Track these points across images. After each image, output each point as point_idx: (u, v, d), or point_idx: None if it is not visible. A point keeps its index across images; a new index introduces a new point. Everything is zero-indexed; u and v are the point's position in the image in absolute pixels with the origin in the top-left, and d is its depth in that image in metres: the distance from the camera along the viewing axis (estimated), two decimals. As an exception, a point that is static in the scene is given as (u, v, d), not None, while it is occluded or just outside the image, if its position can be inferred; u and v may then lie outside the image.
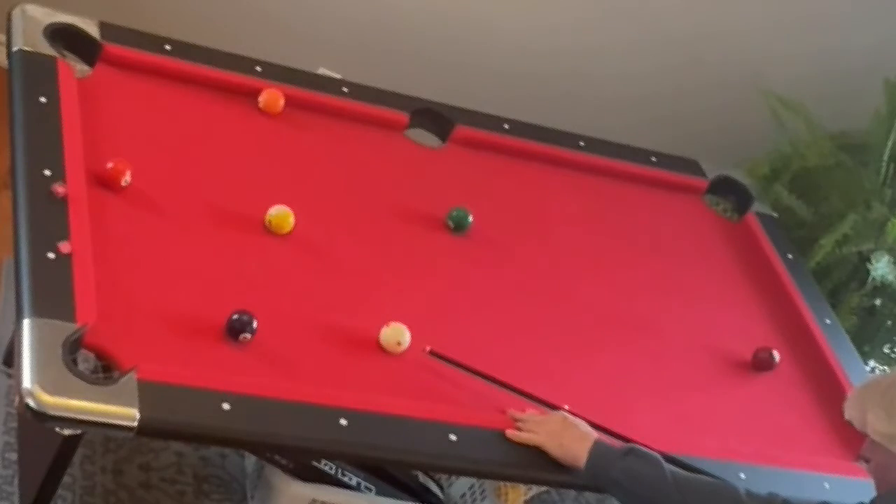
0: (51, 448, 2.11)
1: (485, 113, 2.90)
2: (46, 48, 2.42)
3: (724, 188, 3.11)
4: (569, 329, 2.48)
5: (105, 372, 1.94)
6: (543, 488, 2.74)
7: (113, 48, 2.52)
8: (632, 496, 2.09)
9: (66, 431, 1.90)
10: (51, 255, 2.00)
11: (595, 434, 2.14)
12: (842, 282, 3.35)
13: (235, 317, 2.07)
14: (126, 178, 2.24)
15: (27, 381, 1.80)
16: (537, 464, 2.11)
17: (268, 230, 2.33)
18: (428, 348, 2.22)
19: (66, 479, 2.41)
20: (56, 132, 2.24)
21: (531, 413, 2.17)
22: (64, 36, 2.48)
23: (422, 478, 2.61)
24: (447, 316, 2.37)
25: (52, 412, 1.80)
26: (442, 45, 3.65)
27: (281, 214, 2.35)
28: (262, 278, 2.24)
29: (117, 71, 2.51)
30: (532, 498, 2.72)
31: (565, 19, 3.65)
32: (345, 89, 2.76)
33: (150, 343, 1.99)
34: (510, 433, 2.12)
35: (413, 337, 2.25)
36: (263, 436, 1.98)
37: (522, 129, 2.91)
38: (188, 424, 1.91)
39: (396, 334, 2.22)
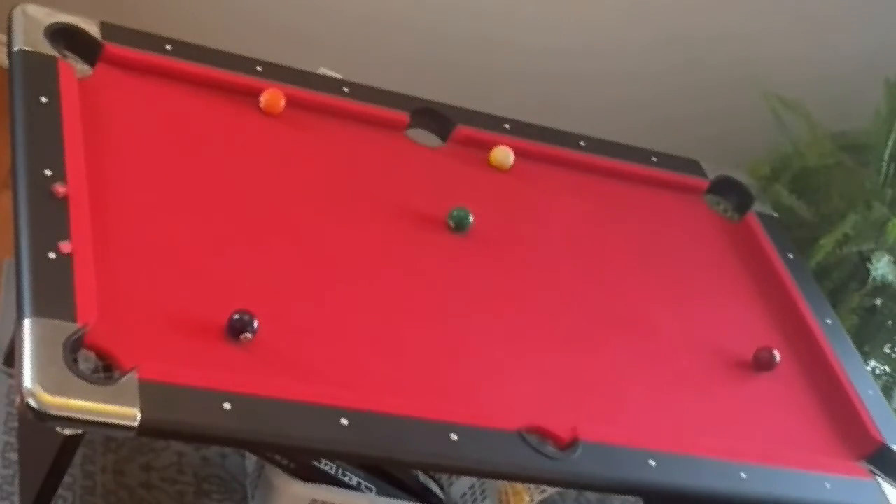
0: (51, 448, 2.11)
1: (485, 113, 2.90)
2: (47, 48, 2.42)
3: (725, 188, 3.10)
4: (569, 328, 2.48)
5: (106, 372, 1.94)
6: (548, 495, 2.73)
7: (114, 48, 2.52)
8: None
9: (67, 431, 1.90)
10: (51, 255, 2.00)
11: None
12: (842, 282, 3.35)
13: (236, 316, 2.07)
14: None
15: (28, 380, 1.80)
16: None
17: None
18: None
19: (67, 479, 2.41)
20: (57, 132, 2.24)
21: None
22: (65, 36, 2.48)
23: (422, 478, 2.61)
24: (447, 315, 2.37)
25: (53, 412, 1.80)
26: (442, 45, 3.65)
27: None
28: (263, 278, 2.24)
29: (118, 71, 2.51)
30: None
31: (566, 20, 3.66)
32: (345, 89, 2.76)
33: (151, 343, 1.99)
34: None
35: (412, 337, 2.25)
36: (264, 436, 1.98)
37: (522, 129, 2.90)
38: (189, 424, 1.91)
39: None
